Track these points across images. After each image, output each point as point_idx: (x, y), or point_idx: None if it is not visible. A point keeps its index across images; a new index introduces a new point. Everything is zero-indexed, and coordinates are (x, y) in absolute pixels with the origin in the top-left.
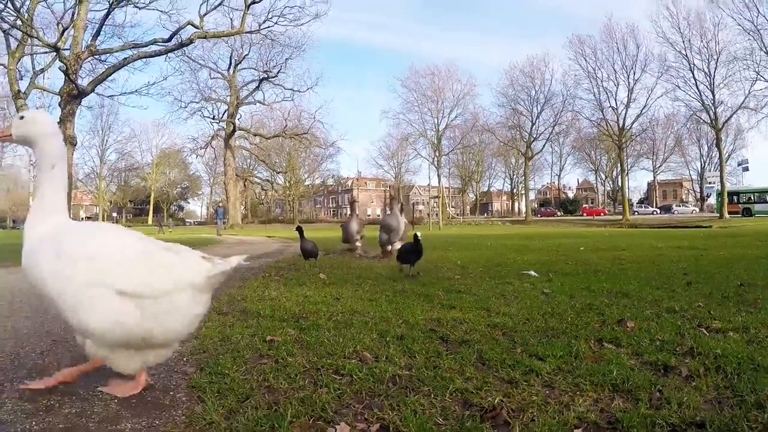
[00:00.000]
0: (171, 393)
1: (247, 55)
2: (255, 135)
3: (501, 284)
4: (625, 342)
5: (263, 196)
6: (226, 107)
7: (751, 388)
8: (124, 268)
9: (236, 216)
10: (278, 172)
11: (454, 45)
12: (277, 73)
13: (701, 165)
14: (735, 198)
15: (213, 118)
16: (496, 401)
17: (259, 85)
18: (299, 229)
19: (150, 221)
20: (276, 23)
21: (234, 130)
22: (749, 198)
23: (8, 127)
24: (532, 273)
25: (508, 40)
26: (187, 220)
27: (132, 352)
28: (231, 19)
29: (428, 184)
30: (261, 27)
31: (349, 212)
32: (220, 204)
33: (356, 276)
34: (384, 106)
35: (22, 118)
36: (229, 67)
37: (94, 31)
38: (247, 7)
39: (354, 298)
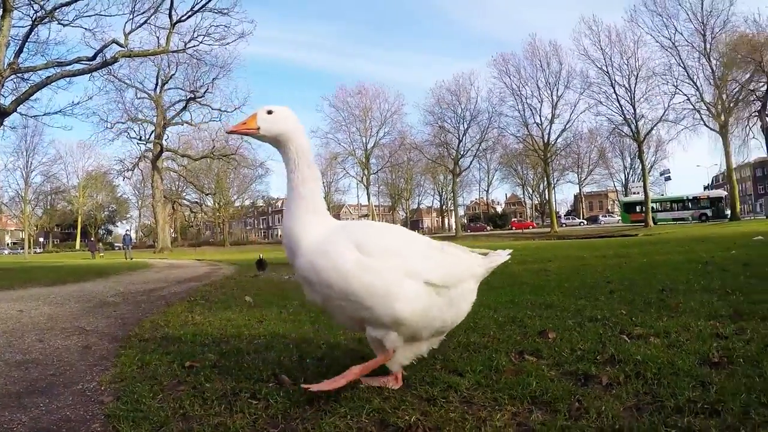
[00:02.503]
0: (87, 423)
1: (174, 74)
2: (183, 156)
3: None
4: (546, 353)
5: (193, 219)
6: (153, 128)
7: (671, 393)
8: (429, 261)
9: (166, 239)
10: (207, 194)
11: (382, 65)
12: (204, 92)
13: (625, 176)
14: (638, 207)
15: (140, 139)
16: (412, 420)
17: (186, 105)
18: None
19: (78, 246)
20: (201, 42)
21: (161, 151)
22: (652, 207)
23: (251, 121)
24: None
25: (435, 60)
26: (115, 244)
27: (414, 345)
28: (157, 37)
29: (358, 203)
30: (187, 46)
31: None
32: (127, 231)
33: (283, 297)
34: (312, 126)
35: (270, 112)
36: (156, 87)
37: (17, 48)
38: (173, 25)
39: (277, 321)
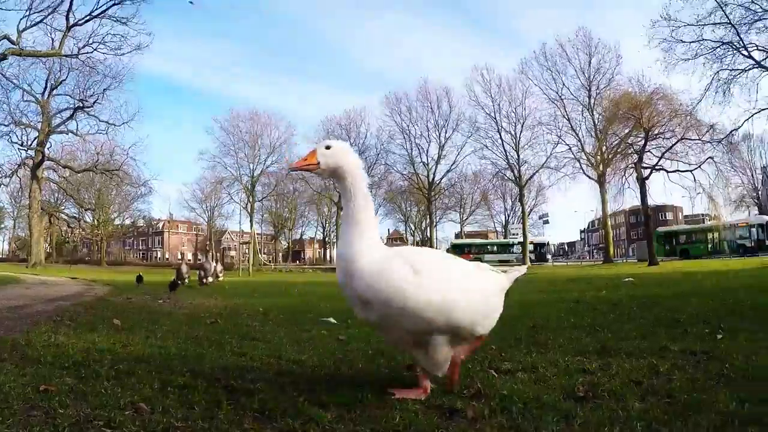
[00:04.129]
0: None
1: (65, 80)
2: (65, 167)
3: (299, 331)
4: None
5: (70, 234)
6: (37, 134)
7: (534, 426)
8: (470, 278)
9: (40, 254)
10: (87, 209)
11: (277, 94)
12: (94, 102)
13: (506, 218)
14: (465, 249)
15: (21, 145)
16: None
17: (73, 113)
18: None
19: None
20: (96, 50)
21: (43, 160)
22: (477, 249)
23: (311, 157)
24: (332, 320)
25: (328, 94)
26: None
27: (458, 348)
28: (52, 39)
29: (240, 230)
30: (81, 51)
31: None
32: None
33: (152, 321)
34: (201, 147)
35: (328, 147)
36: (44, 91)
37: None
38: (69, 28)
39: (143, 345)
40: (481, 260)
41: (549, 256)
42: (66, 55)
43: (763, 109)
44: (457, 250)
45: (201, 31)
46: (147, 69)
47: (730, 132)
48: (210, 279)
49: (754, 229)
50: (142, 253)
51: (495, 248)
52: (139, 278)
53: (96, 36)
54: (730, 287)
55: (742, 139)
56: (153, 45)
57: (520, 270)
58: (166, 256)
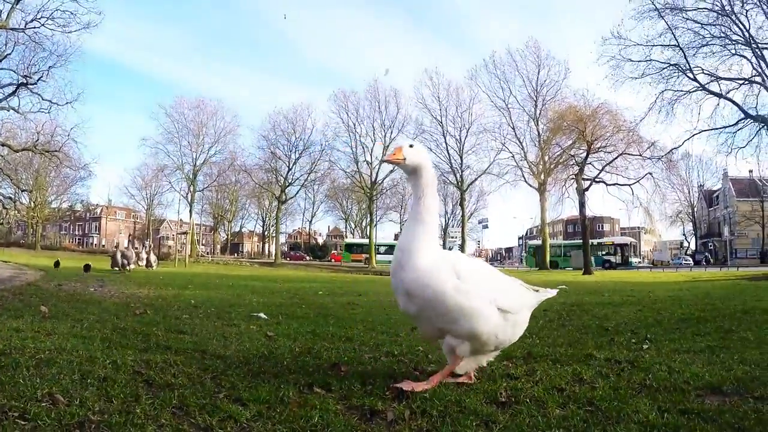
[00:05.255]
0: None
1: (9, 54)
2: (3, 145)
3: (227, 326)
4: (335, 386)
5: (4, 215)
6: None
7: (453, 430)
8: (504, 292)
9: None
10: (23, 190)
11: (224, 82)
12: (38, 80)
13: (446, 221)
14: (358, 249)
15: None
16: None
17: (16, 90)
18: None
19: None
20: (43, 25)
21: None
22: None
23: (398, 152)
24: (262, 315)
25: (277, 86)
26: None
27: (477, 357)
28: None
29: (179, 219)
30: (27, 26)
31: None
32: None
33: (81, 310)
34: (144, 133)
35: (411, 146)
36: None
37: None
38: (17, 1)
39: (68, 335)
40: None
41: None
42: (12, 29)
43: (703, 130)
44: (348, 249)
45: (151, 14)
46: (94, 49)
47: (671, 150)
48: (131, 266)
49: (618, 248)
50: (79, 239)
51: (383, 249)
52: (57, 263)
53: (45, 11)
54: (660, 298)
55: (682, 158)
56: (102, 24)
57: (550, 292)
58: (103, 243)
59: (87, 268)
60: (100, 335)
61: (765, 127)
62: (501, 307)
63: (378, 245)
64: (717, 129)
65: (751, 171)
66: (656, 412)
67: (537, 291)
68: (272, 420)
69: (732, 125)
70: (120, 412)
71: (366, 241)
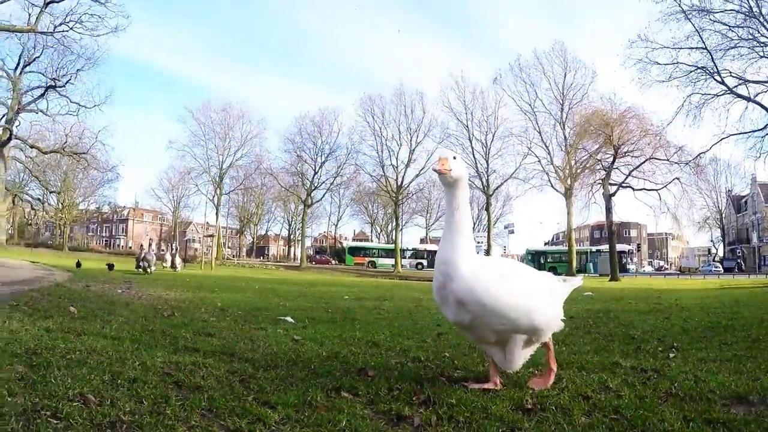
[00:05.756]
0: None
1: (38, 57)
2: (32, 147)
3: (255, 329)
4: (363, 391)
5: (33, 217)
6: (6, 111)
7: None
8: (545, 285)
9: (1, 235)
10: (52, 192)
11: (251, 85)
12: (66, 82)
13: (472, 225)
14: (361, 252)
15: None
16: None
17: (45, 92)
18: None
19: None
20: (72, 29)
21: (10, 138)
22: (374, 253)
23: (446, 163)
24: (289, 319)
25: (304, 90)
26: None
27: (526, 349)
28: (29, 14)
29: (206, 222)
30: (56, 29)
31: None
32: None
33: (109, 312)
34: (171, 136)
35: (455, 158)
36: (17, 68)
37: None
38: (46, 5)
39: (98, 336)
40: (374, 264)
41: None
42: (41, 32)
43: (731, 135)
44: (352, 252)
45: (179, 17)
46: (121, 51)
47: (698, 155)
48: (153, 268)
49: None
50: (106, 240)
51: (383, 253)
52: (78, 264)
53: (73, 14)
54: (687, 306)
55: (709, 163)
56: (129, 28)
57: (578, 281)
58: (130, 245)
59: (110, 267)
60: (129, 336)
61: None
62: (545, 297)
63: (381, 249)
64: (746, 133)
65: None
66: (681, 422)
67: (565, 281)
68: (300, 423)
69: (761, 129)
70: (151, 413)
71: (368, 244)
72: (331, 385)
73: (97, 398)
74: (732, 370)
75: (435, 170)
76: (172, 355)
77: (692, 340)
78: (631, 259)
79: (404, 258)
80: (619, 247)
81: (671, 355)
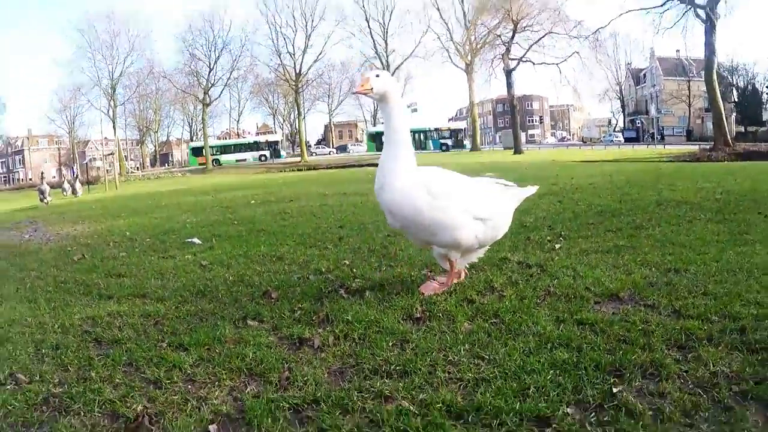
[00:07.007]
0: None
1: None
2: None
3: (163, 259)
4: (267, 316)
5: None
6: None
7: (371, 353)
8: (477, 202)
9: None
10: None
11: None
12: None
13: (374, 107)
14: (202, 152)
15: None
16: (139, 409)
17: None
18: None
19: None
20: None
21: None
22: (217, 150)
23: (366, 83)
24: (196, 240)
25: None
26: None
27: (467, 255)
28: None
29: (104, 138)
30: None
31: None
32: None
33: (21, 268)
34: (54, 54)
35: (377, 75)
36: None
37: None
38: None
39: (15, 300)
40: (219, 161)
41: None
42: None
43: (630, 10)
44: (195, 152)
45: None
46: None
47: (597, 29)
48: (48, 199)
49: (453, 132)
50: (3, 177)
51: (232, 148)
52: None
53: None
54: (580, 186)
55: (609, 36)
56: None
57: (531, 190)
58: (29, 177)
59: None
60: (44, 295)
61: (692, 8)
62: (477, 216)
63: (226, 144)
64: (645, 9)
65: (678, 50)
66: (553, 324)
67: (519, 189)
68: (212, 362)
69: (659, 5)
70: (77, 381)
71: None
72: (238, 315)
73: (27, 376)
74: (610, 263)
75: (354, 93)
76: (87, 309)
77: (580, 226)
78: (466, 136)
79: (248, 151)
80: (455, 125)
81: (557, 246)
